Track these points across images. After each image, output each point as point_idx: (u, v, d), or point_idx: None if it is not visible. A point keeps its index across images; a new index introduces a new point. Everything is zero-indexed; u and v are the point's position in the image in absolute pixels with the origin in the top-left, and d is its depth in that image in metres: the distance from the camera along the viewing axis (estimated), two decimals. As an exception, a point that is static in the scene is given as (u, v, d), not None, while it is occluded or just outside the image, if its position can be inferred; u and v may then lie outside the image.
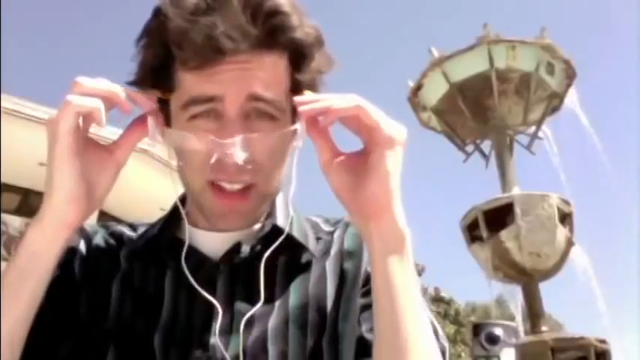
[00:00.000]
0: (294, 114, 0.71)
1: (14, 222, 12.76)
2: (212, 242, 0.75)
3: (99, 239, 0.80)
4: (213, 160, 0.67)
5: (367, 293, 0.71)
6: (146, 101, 0.70)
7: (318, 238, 0.79)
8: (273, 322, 0.70)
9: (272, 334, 0.69)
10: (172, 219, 0.80)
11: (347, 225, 0.81)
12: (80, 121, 0.66)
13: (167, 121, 0.72)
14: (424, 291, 17.72)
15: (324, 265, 0.76)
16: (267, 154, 0.70)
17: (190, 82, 0.68)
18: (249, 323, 0.69)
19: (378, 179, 0.63)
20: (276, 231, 0.75)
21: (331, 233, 0.80)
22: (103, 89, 0.66)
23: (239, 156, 0.66)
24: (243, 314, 0.69)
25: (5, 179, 12.19)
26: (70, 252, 0.76)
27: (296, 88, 0.71)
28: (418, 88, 6.35)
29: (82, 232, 0.80)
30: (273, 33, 0.68)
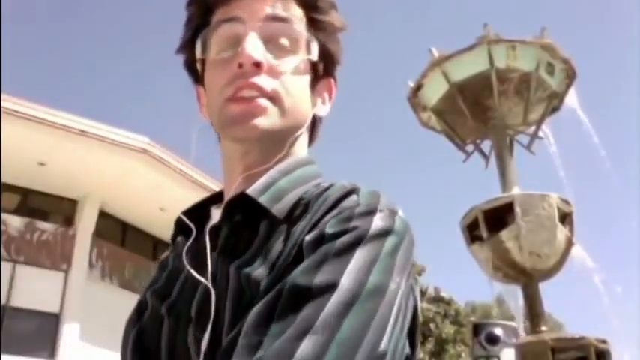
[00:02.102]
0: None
1: (14, 222, 12.78)
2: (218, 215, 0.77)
3: None
4: (235, 67, 0.73)
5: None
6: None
7: (300, 200, 0.73)
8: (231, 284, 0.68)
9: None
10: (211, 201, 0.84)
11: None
12: None
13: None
14: (424, 291, 17.63)
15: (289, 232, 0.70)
16: (289, 76, 0.76)
17: (218, 17, 0.78)
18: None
19: None
20: (245, 199, 0.73)
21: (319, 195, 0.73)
22: None
23: (258, 54, 0.73)
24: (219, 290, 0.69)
25: (5, 179, 12.20)
26: None
27: (313, 26, 0.79)
28: (418, 88, 6.34)
29: None
30: None
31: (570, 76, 6.18)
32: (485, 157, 6.44)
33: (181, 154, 13.08)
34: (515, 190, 5.58)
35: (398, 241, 0.65)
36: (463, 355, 15.98)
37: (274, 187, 0.73)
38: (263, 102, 0.73)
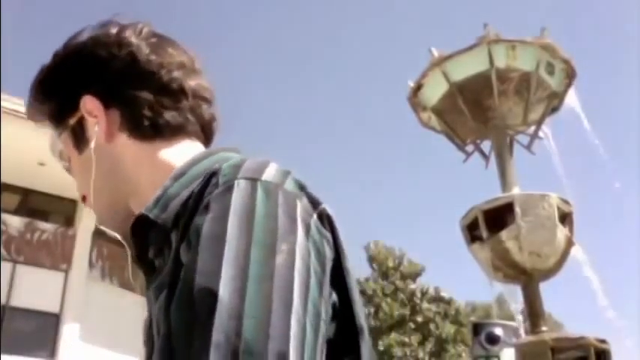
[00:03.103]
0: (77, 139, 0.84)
1: (14, 222, 12.78)
2: None
3: None
4: None
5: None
6: None
7: (187, 201, 0.70)
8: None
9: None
10: None
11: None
12: None
13: None
14: (424, 291, 17.57)
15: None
16: (77, 180, 0.86)
17: None
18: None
19: None
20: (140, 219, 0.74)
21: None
22: None
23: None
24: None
25: (5, 179, 12.20)
26: None
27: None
28: (418, 88, 6.34)
29: None
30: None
31: (570, 76, 6.18)
32: (486, 157, 6.44)
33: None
34: (515, 190, 5.58)
35: (268, 209, 0.62)
36: (463, 355, 15.97)
37: (165, 196, 0.73)
38: (85, 201, 0.86)
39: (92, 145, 0.80)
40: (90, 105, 0.81)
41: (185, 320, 0.57)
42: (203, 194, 0.66)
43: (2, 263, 11.95)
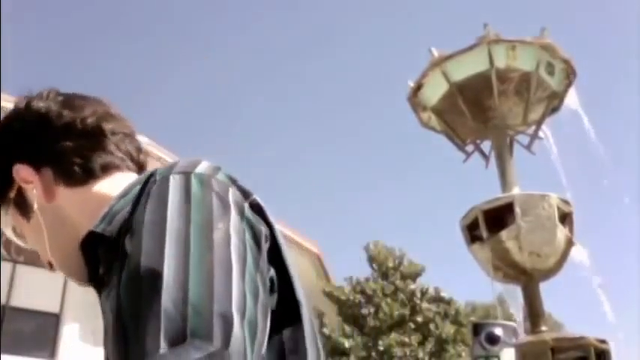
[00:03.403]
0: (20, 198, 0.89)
1: (14, 222, 12.81)
2: None
3: None
4: None
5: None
6: None
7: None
8: None
9: None
10: None
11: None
12: None
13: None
14: (424, 291, 17.55)
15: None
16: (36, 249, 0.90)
17: None
18: None
19: None
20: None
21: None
22: None
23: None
24: None
25: (5, 179, 12.21)
26: None
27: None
28: (418, 88, 6.34)
29: None
30: None
31: (570, 76, 6.17)
32: (486, 157, 6.43)
33: (181, 154, 13.10)
34: (515, 190, 5.58)
35: (203, 194, 0.68)
36: (463, 355, 15.97)
37: (110, 212, 0.78)
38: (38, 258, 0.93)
39: (35, 208, 0.87)
40: (23, 173, 0.87)
41: (133, 298, 0.61)
42: (142, 194, 0.71)
43: (2, 263, 11.95)
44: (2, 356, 10.79)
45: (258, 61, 43.14)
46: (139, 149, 0.95)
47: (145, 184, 0.72)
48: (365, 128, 42.91)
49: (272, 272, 0.71)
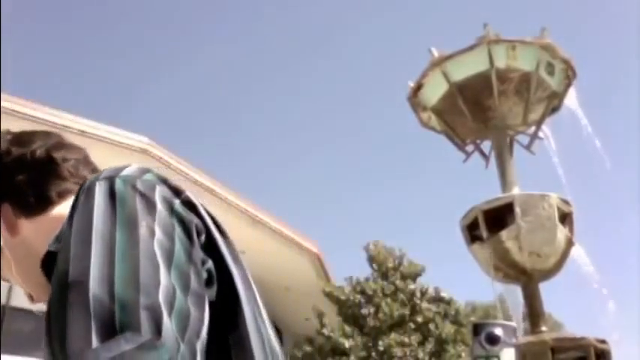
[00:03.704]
0: None
1: (14, 222, 12.79)
2: None
3: None
4: None
5: None
6: None
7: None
8: None
9: None
10: None
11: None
12: None
13: None
14: (424, 291, 17.54)
15: None
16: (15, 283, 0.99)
17: None
18: None
19: None
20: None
21: None
22: None
23: None
24: None
25: (5, 179, 12.19)
26: None
27: None
28: (418, 88, 6.34)
29: None
30: None
31: (570, 76, 6.17)
32: (486, 157, 6.43)
33: (181, 154, 13.09)
34: (515, 190, 5.58)
35: (127, 194, 0.70)
36: (463, 355, 15.95)
37: (62, 230, 0.80)
38: None
39: (2, 245, 0.92)
40: None
41: (60, 303, 0.63)
42: (74, 205, 0.74)
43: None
44: (2, 356, 10.78)
45: (257, 61, 43.12)
46: (94, 172, 0.97)
47: (77, 196, 0.75)
48: (365, 128, 42.90)
49: (209, 264, 0.73)
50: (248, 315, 0.73)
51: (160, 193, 0.72)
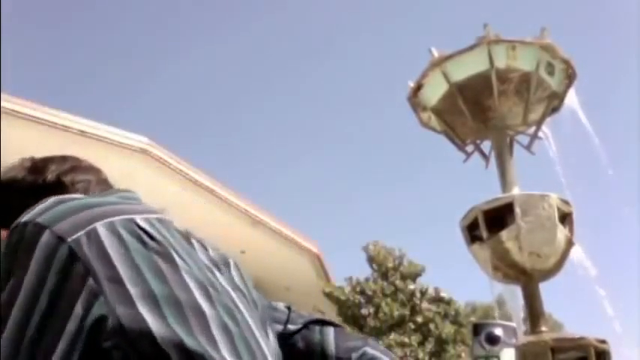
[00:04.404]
0: None
1: (14, 222, 12.78)
2: None
3: None
4: None
5: None
6: None
7: None
8: None
9: None
10: None
11: None
12: None
13: None
14: (424, 291, 17.50)
15: None
16: None
17: None
18: None
19: None
20: None
21: None
22: None
23: None
24: None
25: (5, 179, 12.17)
26: None
27: None
28: (418, 88, 6.34)
29: None
30: None
31: (570, 76, 6.17)
32: (485, 157, 6.43)
33: (181, 154, 13.08)
34: (515, 190, 5.57)
35: (16, 246, 0.72)
36: (463, 355, 15.96)
37: None
38: None
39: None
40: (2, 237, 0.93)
41: None
42: None
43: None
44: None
45: (257, 61, 43.12)
46: (107, 188, 1.01)
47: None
48: (365, 128, 42.89)
49: (97, 309, 0.68)
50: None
51: (42, 244, 0.73)
